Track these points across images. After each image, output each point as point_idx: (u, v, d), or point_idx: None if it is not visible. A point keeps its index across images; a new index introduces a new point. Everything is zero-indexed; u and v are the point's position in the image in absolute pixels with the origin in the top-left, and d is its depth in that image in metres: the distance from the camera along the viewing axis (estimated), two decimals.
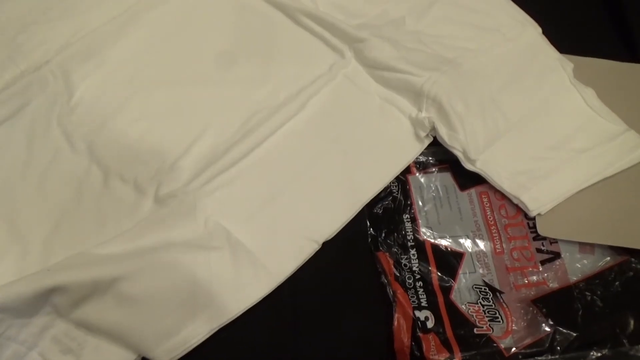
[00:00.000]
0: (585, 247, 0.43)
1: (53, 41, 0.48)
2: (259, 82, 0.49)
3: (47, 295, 0.35)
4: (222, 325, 0.38)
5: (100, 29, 0.49)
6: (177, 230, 0.40)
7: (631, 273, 0.40)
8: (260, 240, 0.41)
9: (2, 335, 0.35)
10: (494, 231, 0.43)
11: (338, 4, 0.53)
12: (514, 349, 0.38)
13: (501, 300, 0.40)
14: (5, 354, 0.35)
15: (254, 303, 0.39)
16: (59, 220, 0.41)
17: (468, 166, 0.45)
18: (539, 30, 0.53)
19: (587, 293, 0.40)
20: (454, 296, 0.40)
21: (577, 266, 0.42)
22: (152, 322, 0.37)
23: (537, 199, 0.44)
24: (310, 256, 0.41)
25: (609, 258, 0.42)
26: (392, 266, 0.41)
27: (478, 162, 0.44)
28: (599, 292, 0.40)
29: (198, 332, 0.38)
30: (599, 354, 0.38)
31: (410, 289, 0.40)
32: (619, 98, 0.50)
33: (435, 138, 0.46)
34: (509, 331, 0.39)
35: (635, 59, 0.53)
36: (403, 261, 0.41)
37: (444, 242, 0.43)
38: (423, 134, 0.46)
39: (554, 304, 0.39)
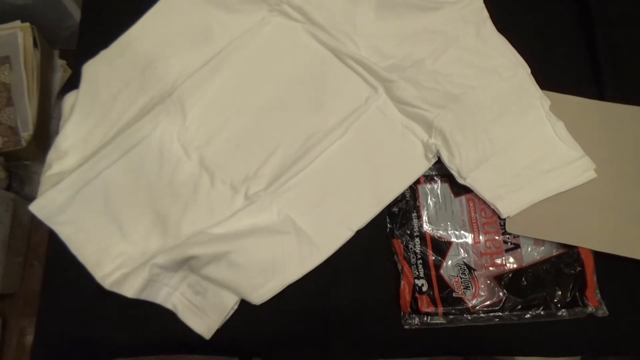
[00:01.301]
0: (538, 241, 0.61)
1: (168, 77, 0.67)
2: (315, 110, 0.66)
3: (186, 260, 0.57)
4: (289, 284, 0.59)
5: (202, 69, 0.67)
6: (260, 219, 0.60)
7: (562, 264, 0.59)
8: (315, 227, 0.61)
9: (161, 282, 0.57)
10: (474, 227, 0.62)
11: (375, 46, 0.69)
12: (477, 307, 0.58)
13: (474, 275, 0.60)
14: (162, 292, 0.58)
15: (310, 270, 0.60)
16: (184, 209, 0.62)
17: (460, 181, 0.62)
18: (528, 70, 0.68)
19: (531, 273, 0.59)
20: (442, 271, 0.60)
21: (530, 255, 0.61)
22: (247, 279, 0.58)
23: (508, 207, 0.61)
24: (347, 240, 0.61)
25: (554, 250, 0.61)
26: (402, 249, 0.61)
27: (468, 179, 0.62)
28: (539, 273, 0.59)
29: (275, 286, 0.58)
30: (534, 313, 0.58)
31: (413, 265, 0.60)
32: (583, 129, 0.66)
33: (439, 158, 0.64)
34: (476, 295, 0.59)
35: (601, 97, 0.68)
36: (410, 246, 0.61)
37: (439, 234, 0.62)
38: (431, 156, 0.64)
39: (507, 279, 0.59)
